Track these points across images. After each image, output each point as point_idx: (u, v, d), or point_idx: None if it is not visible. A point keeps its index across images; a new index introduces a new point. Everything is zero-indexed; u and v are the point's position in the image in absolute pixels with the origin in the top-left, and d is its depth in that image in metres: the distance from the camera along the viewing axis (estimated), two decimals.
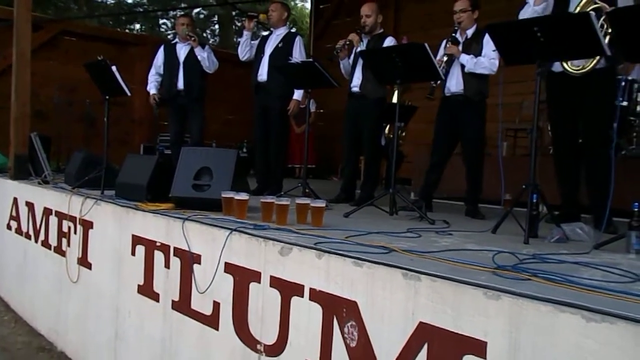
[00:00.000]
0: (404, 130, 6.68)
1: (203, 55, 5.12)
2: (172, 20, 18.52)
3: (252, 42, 4.94)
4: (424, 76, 3.57)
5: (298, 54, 4.74)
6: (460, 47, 3.93)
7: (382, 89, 4.39)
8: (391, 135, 6.37)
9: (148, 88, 5.45)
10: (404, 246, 2.21)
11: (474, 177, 4.00)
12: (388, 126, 6.15)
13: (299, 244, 2.16)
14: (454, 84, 3.94)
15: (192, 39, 5.13)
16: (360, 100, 4.39)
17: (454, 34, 3.97)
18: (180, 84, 5.21)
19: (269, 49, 4.81)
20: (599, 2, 2.85)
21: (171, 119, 5.40)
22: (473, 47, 3.88)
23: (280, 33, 4.86)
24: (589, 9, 2.79)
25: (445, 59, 3.91)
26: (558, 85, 3.26)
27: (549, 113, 3.47)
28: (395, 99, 4.45)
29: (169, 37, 17.54)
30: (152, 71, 5.45)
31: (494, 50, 3.60)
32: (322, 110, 9.07)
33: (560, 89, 3.25)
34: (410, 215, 3.51)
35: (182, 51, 5.27)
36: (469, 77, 3.88)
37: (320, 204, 2.81)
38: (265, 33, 5.13)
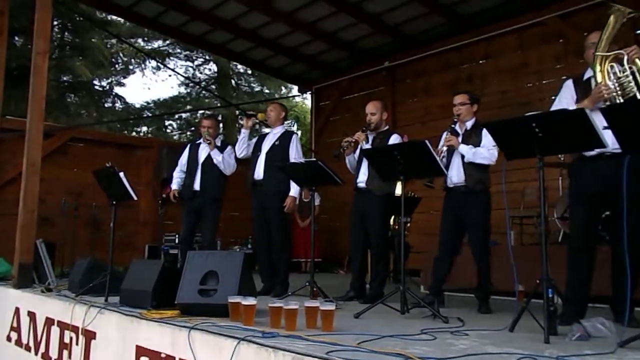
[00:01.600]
0: (409, 221, 6.68)
1: (218, 159, 5.14)
2: (178, 122, 19.28)
3: (250, 140, 5.06)
4: (427, 172, 3.62)
5: (294, 152, 4.83)
6: (460, 139, 4.01)
7: (388, 184, 4.41)
8: (396, 227, 6.37)
9: (172, 184, 5.45)
10: (420, 352, 2.11)
11: (481, 269, 3.94)
12: (392, 218, 6.16)
13: (310, 354, 2.07)
14: (455, 174, 3.97)
15: (208, 142, 5.20)
16: (367, 195, 4.41)
17: (452, 126, 4.07)
18: (197, 185, 5.18)
19: (265, 147, 4.91)
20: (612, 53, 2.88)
21: (184, 217, 5.31)
22: (472, 138, 3.96)
23: (277, 132, 4.98)
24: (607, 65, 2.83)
25: (445, 148, 3.98)
26: (588, 172, 3.09)
27: (572, 202, 3.37)
28: (398, 190, 4.47)
29: (174, 137, 18.14)
30: (177, 169, 5.45)
31: (493, 145, 3.68)
32: (319, 204, 9.13)
33: (591, 176, 3.08)
34: (423, 312, 3.40)
35: (202, 152, 5.27)
36: (469, 168, 3.93)
37: (330, 306, 2.73)
38: (266, 130, 5.26)
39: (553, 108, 3.16)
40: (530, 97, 7.17)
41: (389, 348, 2.16)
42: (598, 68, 2.91)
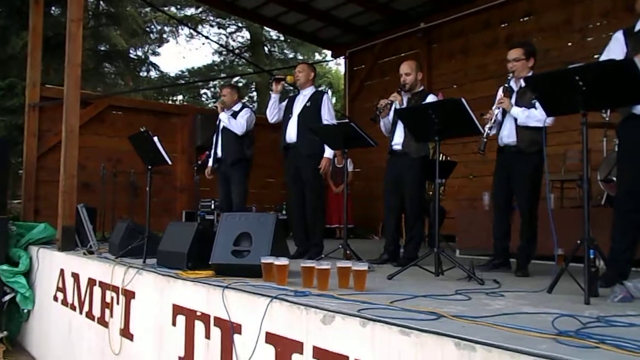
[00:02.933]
0: (444, 186, 6.57)
1: (225, 121, 5.27)
2: (212, 90, 19.37)
3: (280, 104, 5.02)
4: (463, 131, 3.51)
5: (326, 113, 4.76)
6: (514, 97, 3.78)
7: (425, 146, 4.30)
8: (431, 192, 6.28)
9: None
10: (454, 311, 2.07)
11: (526, 232, 3.80)
12: (427, 183, 6.05)
13: (342, 312, 2.06)
14: (506, 134, 3.79)
15: (215, 106, 5.33)
16: (402, 158, 4.32)
17: (507, 84, 3.82)
18: (219, 151, 5.36)
19: (296, 109, 4.85)
20: None
21: (219, 185, 5.52)
22: (527, 95, 3.68)
23: (307, 93, 4.90)
24: None
25: (496, 111, 3.78)
26: (637, 128, 2.92)
27: (620, 160, 3.20)
28: (435, 156, 4.36)
29: (209, 105, 18.27)
30: (213, 143, 5.61)
31: None
32: (358, 170, 9.07)
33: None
34: (459, 275, 3.35)
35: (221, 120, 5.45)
36: (522, 128, 3.72)
37: (363, 267, 2.71)
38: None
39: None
40: (574, 56, 6.81)
41: (421, 307, 2.13)
42: None
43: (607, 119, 5.16)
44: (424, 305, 2.18)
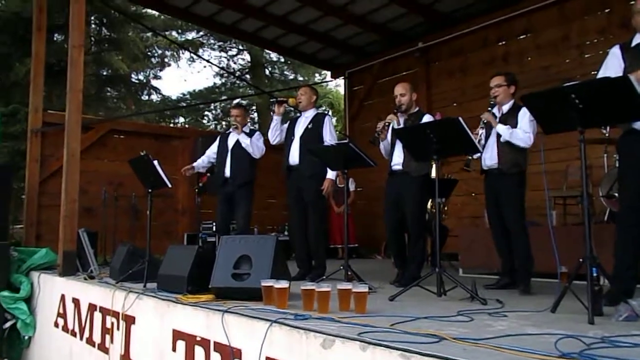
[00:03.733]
0: (446, 204, 6.55)
1: (246, 142, 5.20)
2: (214, 112, 19.50)
3: (282, 126, 5.05)
4: (461, 150, 3.51)
5: (328, 134, 4.79)
6: (497, 121, 3.95)
7: (425, 165, 4.35)
8: (433, 210, 6.26)
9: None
10: (455, 333, 2.05)
11: (518, 250, 3.88)
12: (429, 201, 6.04)
13: (342, 335, 2.04)
14: (489, 157, 3.95)
15: (235, 127, 5.28)
16: (402, 178, 4.34)
17: (489, 109, 4.00)
18: (227, 171, 5.26)
19: (298, 131, 4.88)
20: None
21: (219, 206, 5.42)
22: (509, 121, 3.90)
23: (309, 115, 4.94)
24: None
25: (481, 132, 3.89)
26: (638, 143, 2.92)
27: (621, 175, 3.20)
28: (433, 174, 4.39)
29: (210, 128, 18.38)
30: (208, 154, 5.57)
31: (532, 121, 3.58)
32: (360, 189, 9.06)
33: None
34: (461, 295, 3.32)
35: (231, 139, 5.36)
36: (505, 150, 3.87)
37: (363, 289, 2.69)
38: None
39: (598, 77, 2.97)
40: (572, 73, 6.86)
41: (422, 329, 2.10)
42: None
43: (607, 134, 5.16)
44: (425, 328, 2.15)
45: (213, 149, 5.54)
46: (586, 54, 6.88)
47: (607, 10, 6.70)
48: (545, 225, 5.83)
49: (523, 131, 3.78)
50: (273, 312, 2.61)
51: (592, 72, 6.66)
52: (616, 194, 4.84)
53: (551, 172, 6.42)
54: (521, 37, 7.68)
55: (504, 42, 7.86)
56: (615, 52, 3.02)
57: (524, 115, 3.76)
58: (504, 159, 3.86)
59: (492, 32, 7.89)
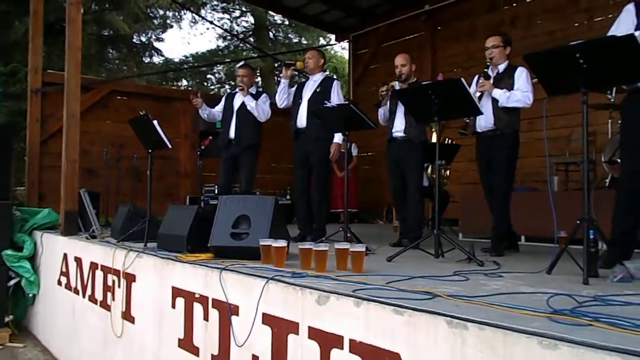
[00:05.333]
0: (448, 170, 6.52)
1: (251, 105, 5.12)
2: (217, 75, 19.29)
3: (290, 89, 4.99)
4: (463, 112, 3.47)
5: (336, 98, 4.75)
6: (491, 82, 3.90)
7: (424, 132, 4.40)
8: (434, 176, 6.25)
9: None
10: (450, 291, 2.06)
11: (500, 212, 3.88)
12: (430, 166, 6.02)
13: (337, 292, 2.05)
14: (484, 118, 3.89)
15: (241, 88, 5.18)
16: (403, 144, 4.41)
17: (485, 70, 3.97)
18: (232, 133, 5.21)
19: (306, 94, 4.85)
20: None
21: (222, 166, 5.35)
22: (505, 81, 3.86)
23: (317, 79, 4.90)
24: None
25: (478, 94, 3.85)
26: None
27: (623, 137, 3.15)
28: (434, 139, 4.39)
29: (214, 91, 18.21)
30: (217, 108, 5.49)
31: (530, 82, 3.55)
32: (364, 154, 9.02)
33: None
34: (459, 257, 3.34)
35: (237, 101, 5.27)
36: (500, 112, 3.85)
37: (360, 248, 2.70)
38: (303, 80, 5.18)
39: (610, 34, 2.89)
40: (581, 37, 6.68)
41: (417, 287, 2.12)
42: None
43: (613, 100, 5.09)
44: (421, 286, 2.16)
45: (219, 107, 5.47)
46: (595, 17, 6.71)
47: None
48: (544, 191, 5.85)
49: (521, 91, 3.75)
50: (270, 270, 2.63)
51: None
52: (618, 160, 4.80)
53: (555, 139, 6.39)
54: (529, 0, 7.50)
55: (511, 6, 7.67)
56: (629, 9, 2.93)
57: (521, 74, 3.75)
58: (500, 119, 3.83)
59: None
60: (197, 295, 2.91)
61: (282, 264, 2.80)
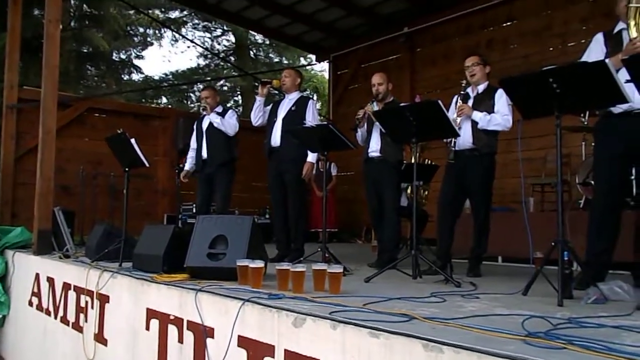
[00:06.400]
0: (427, 190, 6.57)
1: (217, 122, 5.17)
2: (197, 94, 19.24)
3: (265, 108, 5.00)
4: (440, 133, 3.50)
5: (311, 117, 4.76)
6: (471, 102, 3.86)
7: (400, 151, 4.41)
8: (412, 196, 6.28)
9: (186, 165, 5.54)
10: (426, 313, 2.06)
11: (479, 232, 3.84)
12: (409, 186, 6.06)
13: (313, 314, 2.03)
14: (462, 137, 3.81)
15: (204, 108, 5.28)
16: (379, 164, 4.42)
17: (462, 92, 3.92)
18: (205, 153, 5.26)
19: (281, 113, 4.85)
20: None
21: (199, 188, 5.40)
22: (485, 102, 3.81)
23: (293, 97, 4.91)
24: None
25: (458, 120, 3.81)
26: (614, 130, 2.92)
27: (596, 158, 3.20)
28: (413, 159, 4.41)
29: (193, 109, 18.15)
30: (190, 148, 5.54)
31: (509, 104, 3.57)
32: (344, 174, 9.05)
33: (617, 134, 2.90)
34: (436, 278, 3.34)
35: (205, 122, 5.34)
36: (479, 132, 3.79)
37: (338, 269, 2.69)
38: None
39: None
40: (555, 61, 6.89)
41: (394, 309, 2.11)
42: (632, 22, 2.71)
43: (586, 123, 5.21)
44: (398, 308, 2.16)
45: (194, 137, 5.55)
46: (569, 42, 6.90)
47: (589, 0, 6.72)
48: (521, 211, 5.92)
49: (501, 115, 3.70)
50: (247, 291, 2.60)
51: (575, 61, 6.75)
52: (592, 182, 4.90)
53: (531, 160, 6.50)
54: (505, 24, 7.69)
55: (487, 30, 7.85)
56: (598, 39, 3.03)
57: (501, 96, 3.70)
58: (479, 138, 3.77)
59: (476, 19, 7.88)
60: (172, 317, 2.85)
61: (259, 285, 2.77)
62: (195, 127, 5.53)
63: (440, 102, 3.16)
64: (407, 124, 3.29)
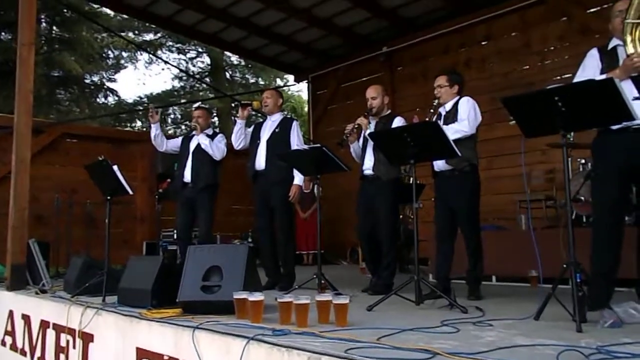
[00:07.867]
0: (420, 207, 6.50)
1: (205, 144, 5.00)
2: (172, 116, 19.02)
3: (246, 130, 4.86)
4: (439, 154, 3.42)
5: (296, 139, 4.65)
6: (441, 122, 3.78)
7: (395, 170, 4.25)
8: (401, 216, 6.20)
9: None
10: (445, 346, 1.94)
11: (473, 253, 3.76)
12: (403, 208, 5.99)
13: (328, 353, 1.89)
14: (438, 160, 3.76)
15: (194, 127, 5.11)
16: (374, 182, 4.24)
17: (432, 110, 3.85)
18: (187, 175, 5.04)
19: (265, 135, 4.71)
20: None
21: (178, 212, 5.15)
22: (452, 118, 3.79)
23: (275, 119, 4.78)
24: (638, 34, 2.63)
25: None
26: (614, 146, 2.84)
27: (597, 175, 3.09)
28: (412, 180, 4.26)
29: (169, 132, 17.89)
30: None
31: (474, 110, 3.61)
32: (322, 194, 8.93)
33: (617, 150, 2.83)
34: (437, 302, 3.24)
35: (193, 142, 5.15)
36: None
37: (344, 300, 2.55)
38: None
39: (577, 78, 2.93)
40: (533, 78, 6.98)
41: (412, 343, 1.99)
42: (629, 38, 2.68)
43: (572, 139, 5.23)
44: (412, 341, 2.04)
45: (177, 142, 5.35)
46: (546, 60, 7.00)
47: (565, 18, 6.84)
48: (511, 229, 5.90)
49: (458, 121, 3.66)
50: (248, 327, 2.44)
51: (554, 78, 6.82)
52: (582, 197, 4.90)
53: (514, 176, 6.50)
54: (483, 43, 7.77)
55: (465, 48, 7.93)
56: (593, 54, 3.00)
57: (462, 105, 3.70)
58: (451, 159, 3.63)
59: (454, 38, 7.94)
60: (166, 358, 2.66)
61: (260, 320, 2.61)
62: (181, 143, 5.31)
63: (440, 123, 3.09)
64: (404, 145, 3.20)
